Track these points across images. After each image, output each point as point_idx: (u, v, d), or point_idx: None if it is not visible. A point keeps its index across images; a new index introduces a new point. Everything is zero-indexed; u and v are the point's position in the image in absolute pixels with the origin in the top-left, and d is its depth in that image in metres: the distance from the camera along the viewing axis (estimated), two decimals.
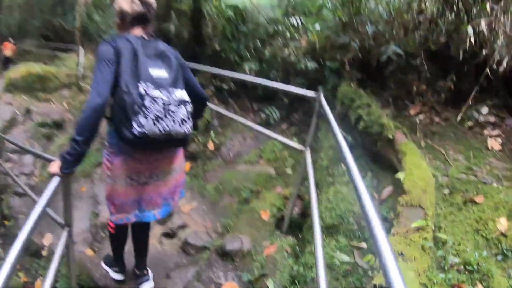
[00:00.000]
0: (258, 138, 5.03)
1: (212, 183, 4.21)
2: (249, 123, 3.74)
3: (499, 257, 2.21)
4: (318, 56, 5.12)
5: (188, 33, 7.15)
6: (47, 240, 4.42)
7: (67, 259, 2.36)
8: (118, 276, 2.84)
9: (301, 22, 5.44)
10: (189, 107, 1.94)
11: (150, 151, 2.07)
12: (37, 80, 12.13)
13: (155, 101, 1.78)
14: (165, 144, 2.00)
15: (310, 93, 2.75)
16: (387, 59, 3.70)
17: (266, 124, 5.26)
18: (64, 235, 2.12)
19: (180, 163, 2.33)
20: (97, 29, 16.36)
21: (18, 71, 12.26)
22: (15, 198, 5.58)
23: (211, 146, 5.12)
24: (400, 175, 2.51)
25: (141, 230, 2.61)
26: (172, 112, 1.84)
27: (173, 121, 1.84)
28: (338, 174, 3.25)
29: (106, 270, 2.91)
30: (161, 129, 1.80)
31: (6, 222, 5.16)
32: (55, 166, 1.84)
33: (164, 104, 1.81)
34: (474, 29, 3.02)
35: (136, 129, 1.76)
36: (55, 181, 1.78)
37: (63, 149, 6.95)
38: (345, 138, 1.73)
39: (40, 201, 1.53)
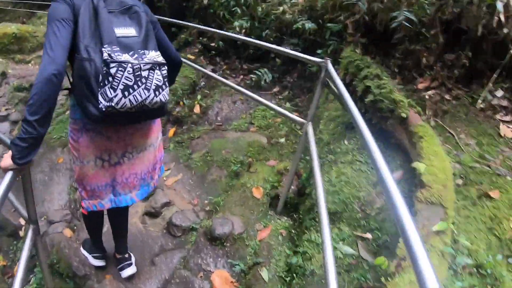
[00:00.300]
0: (248, 102, 4.65)
1: (198, 152, 3.84)
2: (241, 88, 3.33)
3: (510, 260, 1.95)
4: (317, 16, 4.66)
5: None
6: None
7: (37, 258, 2.02)
8: (98, 263, 2.57)
9: None
10: (165, 71, 1.61)
11: (123, 127, 1.77)
12: (14, 41, 11.42)
13: (123, 67, 1.45)
14: (139, 117, 1.68)
15: (316, 60, 2.40)
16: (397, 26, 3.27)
17: (257, 86, 4.88)
18: (29, 234, 1.79)
19: (157, 135, 1.99)
20: None
21: None
22: None
23: (197, 109, 4.72)
24: (419, 166, 2.13)
25: (119, 213, 2.29)
26: (145, 78, 1.52)
27: (146, 89, 1.53)
28: (341, 152, 2.90)
29: (85, 256, 2.64)
30: (133, 101, 1.50)
31: None
32: (7, 159, 1.47)
33: (133, 69, 1.48)
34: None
35: (103, 103, 1.47)
36: (9, 173, 1.44)
37: None
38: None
39: None
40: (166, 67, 1.62)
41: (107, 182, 1.86)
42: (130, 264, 2.47)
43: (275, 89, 4.86)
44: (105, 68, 1.44)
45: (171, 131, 4.40)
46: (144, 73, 1.51)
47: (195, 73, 5.11)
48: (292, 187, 3.00)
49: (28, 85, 8.69)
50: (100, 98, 1.47)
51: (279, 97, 4.72)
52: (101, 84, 1.46)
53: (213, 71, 5.41)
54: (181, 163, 3.73)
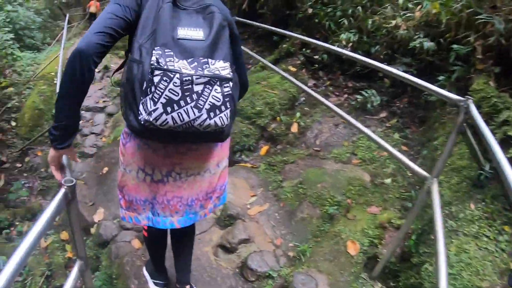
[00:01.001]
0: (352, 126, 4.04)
1: (291, 180, 3.34)
2: (344, 114, 2.84)
3: None
4: (437, 34, 3.94)
5: None
6: (98, 216, 4.01)
7: None
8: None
9: None
10: (227, 88, 1.28)
11: (174, 144, 1.48)
12: None
13: (169, 77, 1.17)
14: (185, 137, 1.37)
15: (453, 97, 1.81)
16: None
17: (363, 109, 4.27)
18: (74, 270, 1.45)
19: (218, 161, 1.63)
20: None
21: None
22: (78, 162, 5.25)
23: (294, 128, 4.23)
24: None
25: (180, 236, 1.97)
26: (197, 94, 1.21)
27: (197, 107, 1.22)
28: (464, 218, 2.21)
29: (146, 279, 2.32)
30: (177, 119, 1.22)
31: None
32: (51, 155, 1.38)
33: (182, 81, 1.18)
34: None
35: (143, 115, 1.23)
36: (55, 202, 1.18)
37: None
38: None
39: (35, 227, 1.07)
40: (230, 84, 1.28)
41: (147, 198, 1.57)
42: None
43: (382, 115, 4.19)
44: (150, 75, 1.19)
45: (264, 149, 4.01)
46: (197, 88, 1.21)
47: (295, 87, 4.64)
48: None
49: None
50: (140, 108, 1.24)
51: (387, 124, 4.04)
52: (145, 92, 1.22)
53: (315, 86, 4.91)
54: (269, 191, 3.29)
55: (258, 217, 2.93)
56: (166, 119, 1.20)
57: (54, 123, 1.32)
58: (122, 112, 1.40)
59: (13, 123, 6.88)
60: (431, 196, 1.83)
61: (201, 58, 1.25)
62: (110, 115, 7.71)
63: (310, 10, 5.27)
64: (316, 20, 5.22)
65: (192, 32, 1.27)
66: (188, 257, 2.09)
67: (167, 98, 1.18)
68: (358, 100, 4.27)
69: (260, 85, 4.67)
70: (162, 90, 1.18)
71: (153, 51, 1.20)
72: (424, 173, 1.96)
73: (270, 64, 4.61)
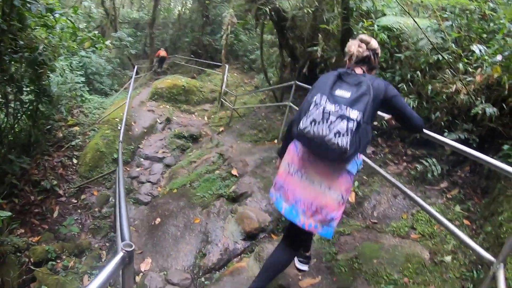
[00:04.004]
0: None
1: (346, 253, 3.21)
2: (402, 186, 2.70)
3: None
4: (499, 98, 3.81)
5: (336, 56, 6.36)
6: (145, 265, 4.08)
7: None
8: (303, 267, 2.87)
9: (481, 51, 4.12)
10: (351, 124, 1.91)
11: (309, 152, 2.15)
12: (182, 92, 12.85)
13: (317, 107, 1.96)
14: (320, 150, 2.02)
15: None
16: None
17: (422, 179, 4.11)
18: None
19: (332, 186, 2.12)
20: (243, 49, 16.95)
21: (165, 81, 13.23)
22: (131, 208, 5.45)
23: (352, 198, 4.14)
24: None
25: (290, 235, 2.42)
26: (331, 122, 1.91)
27: (328, 129, 1.91)
28: None
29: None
30: (315, 131, 1.93)
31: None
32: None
33: (324, 112, 1.93)
34: None
35: (300, 126, 1.99)
36: (111, 265, 1.23)
37: (192, 166, 6.80)
38: None
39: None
40: (355, 124, 1.91)
41: (281, 184, 2.26)
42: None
43: (443, 185, 4.00)
44: (311, 105, 2.00)
45: None
46: (332, 118, 1.91)
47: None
48: None
49: (187, 134, 9.38)
50: (300, 123, 2.00)
51: (447, 195, 3.84)
52: (304, 115, 2.01)
53: (374, 153, 4.85)
54: (322, 262, 3.15)
55: None
56: (309, 129, 1.94)
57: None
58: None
59: (75, 161, 7.26)
60: (496, 282, 1.70)
61: (344, 105, 1.94)
62: (167, 166, 7.95)
63: None
64: None
65: (343, 93, 2.03)
66: (276, 269, 2.38)
67: (312, 118, 1.94)
68: (417, 169, 4.13)
69: None
70: (312, 113, 1.96)
71: (316, 96, 2.00)
72: (490, 257, 1.82)
73: None
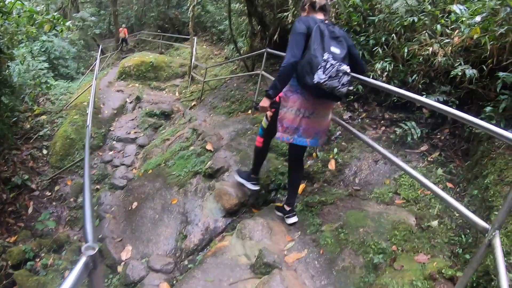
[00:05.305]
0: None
1: (330, 224, 3.11)
2: (382, 150, 2.64)
3: None
4: (477, 60, 3.73)
5: None
6: (126, 253, 3.91)
7: None
8: (255, 187, 3.71)
9: (461, 10, 3.99)
10: (349, 77, 2.60)
11: (317, 97, 2.72)
12: (150, 68, 12.39)
13: (333, 66, 2.49)
14: (327, 95, 2.65)
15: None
16: None
17: (402, 142, 4.04)
18: None
19: (330, 114, 3.03)
20: (211, 20, 16.43)
21: (132, 59, 12.70)
22: (107, 194, 5.21)
23: (332, 165, 4.01)
24: None
25: (298, 159, 3.20)
26: (339, 77, 2.52)
27: (339, 82, 2.54)
28: None
29: (242, 183, 3.77)
30: (330, 84, 2.51)
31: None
32: (264, 102, 2.78)
33: (337, 70, 2.51)
34: None
35: (316, 79, 2.49)
36: (74, 274, 1.06)
37: (165, 144, 6.58)
38: None
39: None
40: (350, 76, 2.62)
41: (296, 127, 2.83)
42: (295, 215, 3.25)
43: (423, 148, 3.95)
44: (323, 63, 2.49)
45: (300, 187, 3.78)
46: (340, 74, 2.52)
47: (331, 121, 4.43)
48: None
49: (159, 112, 9.10)
50: (315, 76, 2.48)
51: (429, 159, 3.79)
52: (317, 69, 2.49)
53: (351, 118, 4.72)
54: (307, 235, 3.05)
55: (296, 265, 2.72)
56: (327, 83, 2.49)
57: (273, 90, 2.70)
58: (296, 77, 2.70)
59: (45, 151, 6.95)
60: (493, 250, 1.62)
61: (340, 62, 2.54)
62: (141, 146, 7.71)
63: None
64: None
65: (335, 50, 2.59)
66: (299, 180, 3.31)
67: (329, 75, 2.48)
68: (397, 133, 4.05)
69: None
70: (329, 71, 2.47)
71: (324, 54, 2.51)
72: (485, 224, 1.73)
73: None
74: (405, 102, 4.50)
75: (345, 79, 2.54)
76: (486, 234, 1.68)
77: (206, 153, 4.98)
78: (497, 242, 1.62)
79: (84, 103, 8.45)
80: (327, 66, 2.46)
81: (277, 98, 2.86)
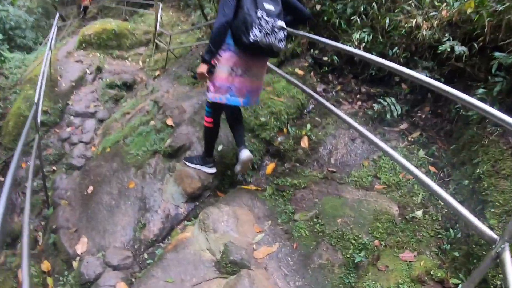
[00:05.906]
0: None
1: (304, 212, 2.80)
2: (361, 128, 2.35)
3: None
4: (467, 37, 3.43)
5: None
6: (81, 246, 3.47)
7: None
8: (211, 170, 3.49)
9: None
10: (285, 33, 2.69)
11: (252, 55, 2.75)
12: (113, 36, 11.56)
13: (267, 23, 2.52)
14: (265, 53, 2.71)
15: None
16: None
17: (380, 119, 3.75)
18: None
19: (264, 73, 3.07)
20: None
21: (93, 27, 11.75)
22: (63, 177, 4.71)
23: (305, 142, 3.65)
24: None
25: (235, 116, 3.16)
26: (276, 33, 2.57)
27: (275, 38, 2.59)
28: None
29: (198, 168, 3.52)
30: (267, 41, 2.54)
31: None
32: (201, 67, 2.72)
33: (272, 26, 2.54)
34: None
35: (252, 37, 2.51)
36: None
37: (125, 118, 6.06)
38: None
39: None
40: (286, 32, 2.70)
41: (229, 86, 2.79)
42: (247, 148, 3.14)
43: (403, 126, 3.68)
44: (257, 20, 2.51)
45: (270, 167, 3.44)
46: (276, 30, 2.58)
47: (303, 93, 4.02)
48: None
49: (120, 83, 8.57)
50: (251, 34, 2.51)
51: (409, 138, 3.52)
52: (252, 28, 2.51)
53: (325, 91, 4.36)
54: (279, 225, 2.71)
55: (267, 262, 2.39)
56: (263, 40, 2.51)
57: (208, 54, 2.68)
58: (231, 37, 2.68)
59: None
60: (501, 265, 1.35)
61: (275, 18, 2.57)
62: (101, 121, 7.18)
63: (318, 7, 4.72)
64: (325, 18, 4.68)
65: (269, 6, 2.58)
66: (242, 128, 3.22)
67: (265, 32, 2.50)
68: (375, 109, 3.75)
69: (264, 92, 4.07)
70: (264, 28, 2.49)
71: (257, 11, 2.51)
72: (492, 234, 1.45)
73: (274, 67, 4.01)
74: (383, 76, 4.19)
75: (282, 34, 2.60)
76: (494, 246, 1.40)
77: (167, 129, 4.50)
78: (507, 257, 1.35)
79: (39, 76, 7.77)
80: (262, 23, 2.49)
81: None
